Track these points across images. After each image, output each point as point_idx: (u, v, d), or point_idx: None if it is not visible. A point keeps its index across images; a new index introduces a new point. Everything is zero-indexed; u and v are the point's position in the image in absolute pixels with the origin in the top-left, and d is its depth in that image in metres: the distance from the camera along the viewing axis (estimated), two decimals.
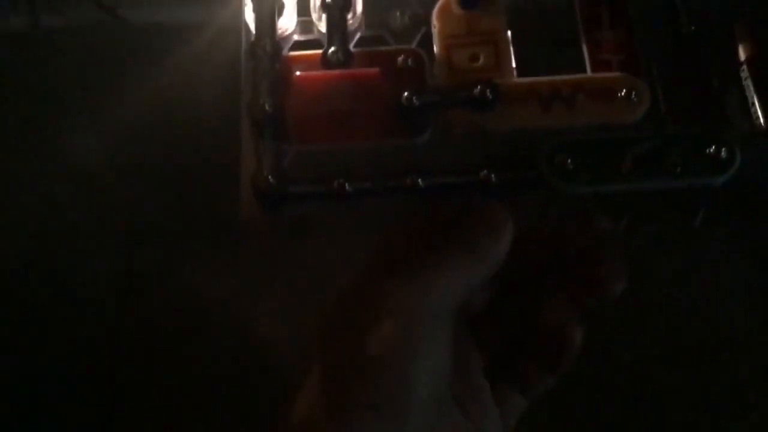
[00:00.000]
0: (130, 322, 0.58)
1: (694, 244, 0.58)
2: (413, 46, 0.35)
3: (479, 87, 0.31)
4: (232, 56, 0.35)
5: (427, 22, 0.35)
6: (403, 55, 0.34)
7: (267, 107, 0.31)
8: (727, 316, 0.58)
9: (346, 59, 0.33)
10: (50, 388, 0.56)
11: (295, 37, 0.36)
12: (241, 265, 0.58)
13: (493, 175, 0.31)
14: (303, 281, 0.57)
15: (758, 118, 0.31)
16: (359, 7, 0.35)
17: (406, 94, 0.31)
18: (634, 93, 0.32)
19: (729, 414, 0.57)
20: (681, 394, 0.57)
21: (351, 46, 0.34)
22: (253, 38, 0.34)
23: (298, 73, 0.33)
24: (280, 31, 0.35)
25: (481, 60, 0.33)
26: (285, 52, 0.34)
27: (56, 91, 0.62)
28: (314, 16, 0.36)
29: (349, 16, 0.35)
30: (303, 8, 0.36)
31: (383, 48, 0.34)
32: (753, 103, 0.31)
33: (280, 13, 0.35)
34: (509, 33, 0.34)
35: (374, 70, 0.32)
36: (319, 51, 0.34)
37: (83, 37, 0.63)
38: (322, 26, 0.35)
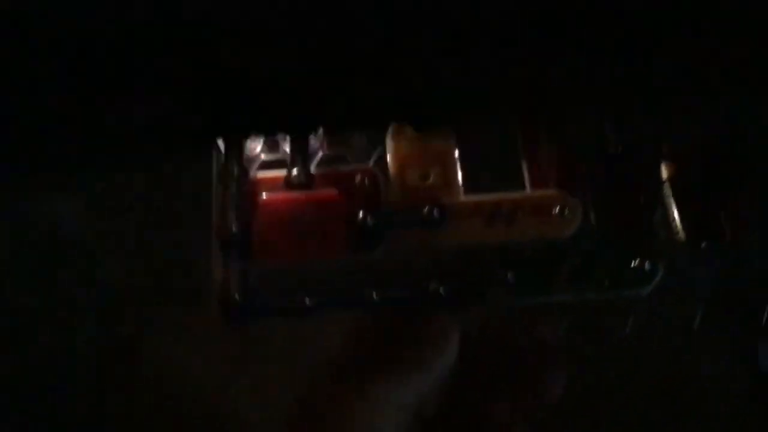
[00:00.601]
0: (109, 389, 0.59)
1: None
2: (370, 164, 0.38)
3: (427, 208, 0.34)
4: None
5: (384, 142, 0.38)
6: (359, 175, 0.37)
7: (233, 228, 0.34)
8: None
9: (307, 181, 0.36)
10: None
11: (263, 157, 0.39)
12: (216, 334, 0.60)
13: (441, 288, 0.34)
14: (277, 354, 0.59)
15: (678, 232, 0.34)
16: (321, 129, 0.39)
17: (360, 214, 0.34)
18: (567, 209, 0.35)
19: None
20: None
21: (313, 167, 0.37)
22: (223, 161, 0.37)
23: (264, 195, 0.36)
24: (248, 152, 0.38)
25: (431, 178, 0.37)
26: (253, 171, 0.38)
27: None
28: (279, 136, 0.39)
29: (312, 137, 0.38)
30: None
31: (342, 168, 0.37)
32: (674, 219, 0.35)
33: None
34: (457, 152, 0.37)
35: (332, 192, 0.36)
36: (284, 171, 0.37)
37: None
38: (287, 146, 0.38)
